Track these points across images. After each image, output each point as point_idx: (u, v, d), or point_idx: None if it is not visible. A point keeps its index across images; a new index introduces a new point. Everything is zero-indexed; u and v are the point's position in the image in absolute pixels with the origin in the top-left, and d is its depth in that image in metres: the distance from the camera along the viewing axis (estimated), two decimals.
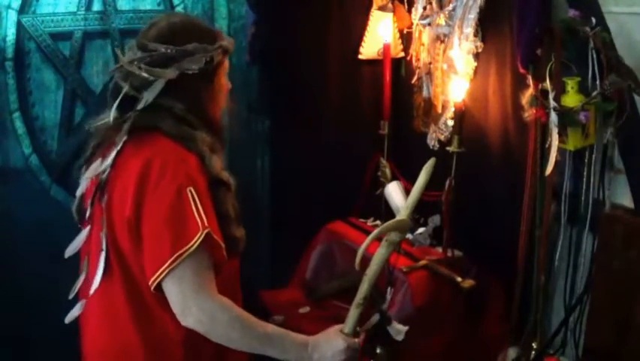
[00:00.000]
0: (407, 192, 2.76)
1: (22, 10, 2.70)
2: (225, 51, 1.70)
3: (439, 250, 2.52)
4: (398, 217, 1.80)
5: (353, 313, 1.73)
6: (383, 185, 2.81)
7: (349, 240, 2.67)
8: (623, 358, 1.94)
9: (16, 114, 2.76)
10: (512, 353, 2.27)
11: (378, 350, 1.89)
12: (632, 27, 1.90)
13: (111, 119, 1.62)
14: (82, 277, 1.72)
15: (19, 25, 2.70)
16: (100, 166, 1.63)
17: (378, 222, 2.84)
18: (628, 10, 1.91)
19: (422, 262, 2.37)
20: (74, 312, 1.74)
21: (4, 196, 2.73)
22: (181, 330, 1.61)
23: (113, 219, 1.61)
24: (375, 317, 1.82)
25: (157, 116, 1.61)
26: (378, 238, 1.77)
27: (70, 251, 1.74)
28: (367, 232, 2.69)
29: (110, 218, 1.62)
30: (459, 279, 2.26)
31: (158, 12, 2.85)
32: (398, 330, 1.85)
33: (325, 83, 2.97)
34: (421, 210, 2.68)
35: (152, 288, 1.55)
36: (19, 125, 2.77)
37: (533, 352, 2.22)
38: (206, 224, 1.54)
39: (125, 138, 1.60)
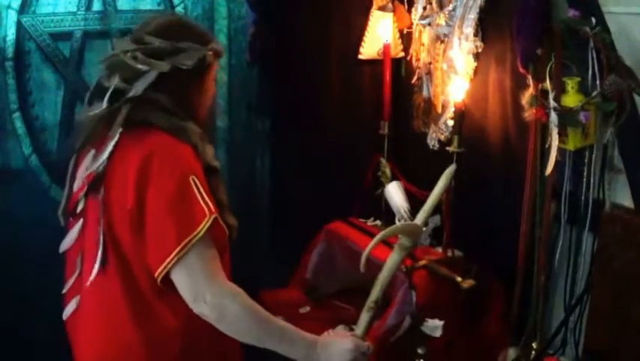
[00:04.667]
0: (407, 192, 2.77)
1: (22, 10, 2.69)
2: (217, 54, 1.76)
3: (439, 250, 2.52)
4: (414, 221, 1.80)
5: (364, 317, 1.74)
6: (383, 185, 2.81)
7: (349, 240, 2.68)
8: (623, 358, 1.94)
9: (16, 114, 2.75)
10: (512, 353, 2.27)
11: (419, 351, 1.90)
12: (632, 27, 1.90)
13: (104, 106, 1.63)
14: (76, 274, 1.72)
15: (19, 25, 2.70)
16: (96, 160, 1.64)
17: (378, 222, 2.84)
18: (628, 10, 1.90)
19: (422, 262, 2.37)
20: (70, 308, 1.74)
21: (4, 196, 2.72)
22: (180, 323, 1.62)
23: (111, 213, 1.61)
24: (407, 321, 1.83)
25: (146, 110, 1.63)
26: (385, 241, 1.78)
27: (64, 246, 1.75)
28: (367, 232, 2.71)
29: (108, 212, 1.61)
30: (459, 279, 2.26)
31: (158, 12, 2.85)
32: (433, 326, 1.86)
33: (325, 83, 2.97)
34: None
35: (159, 280, 1.56)
36: (19, 125, 2.76)
37: (533, 352, 2.22)
38: (212, 210, 1.57)
39: (120, 130, 1.61)
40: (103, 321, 1.67)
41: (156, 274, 1.56)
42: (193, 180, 1.57)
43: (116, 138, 1.61)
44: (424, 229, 2.59)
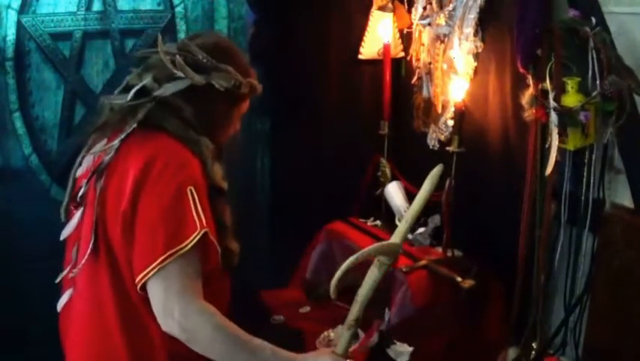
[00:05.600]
0: (407, 192, 2.77)
1: (22, 10, 2.70)
2: (253, 89, 1.76)
3: (439, 250, 2.52)
4: (390, 240, 1.75)
5: (345, 335, 1.69)
6: (383, 185, 2.82)
7: (349, 240, 2.67)
8: (623, 358, 1.94)
9: (16, 114, 2.76)
10: (512, 353, 2.26)
11: None
12: (632, 27, 1.90)
13: (128, 98, 1.61)
14: (71, 265, 1.68)
15: (19, 25, 2.70)
16: (105, 147, 1.62)
17: (378, 222, 2.84)
18: (628, 10, 1.90)
19: (422, 262, 2.37)
20: (64, 299, 1.72)
21: (4, 196, 2.73)
22: (166, 336, 1.56)
23: (105, 210, 1.58)
24: (375, 338, 1.77)
25: (166, 114, 1.62)
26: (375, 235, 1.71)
27: (65, 233, 1.72)
28: (367, 232, 2.71)
29: (102, 207, 1.58)
30: (459, 279, 2.26)
31: (157, 12, 2.85)
32: (399, 352, 1.79)
33: (325, 83, 2.97)
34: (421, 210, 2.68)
35: (138, 287, 1.51)
36: (19, 125, 2.77)
37: (533, 352, 2.22)
38: (204, 224, 1.52)
39: (134, 126, 1.59)
40: (92, 322, 1.64)
41: (136, 281, 1.51)
42: (191, 190, 1.52)
43: (128, 132, 1.59)
44: (423, 229, 2.61)
